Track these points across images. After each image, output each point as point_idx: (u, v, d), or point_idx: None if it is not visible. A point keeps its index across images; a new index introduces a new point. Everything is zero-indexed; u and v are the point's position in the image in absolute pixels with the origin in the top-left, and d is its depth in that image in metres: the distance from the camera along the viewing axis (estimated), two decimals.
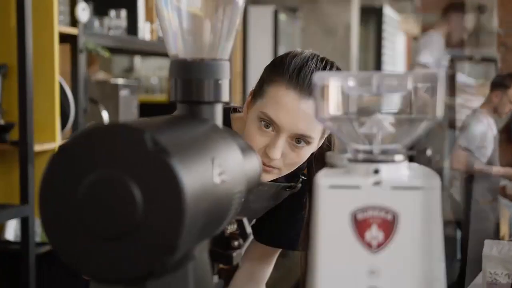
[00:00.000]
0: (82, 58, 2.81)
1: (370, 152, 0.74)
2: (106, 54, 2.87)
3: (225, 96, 0.88)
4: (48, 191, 0.67)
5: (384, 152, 0.74)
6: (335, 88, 0.74)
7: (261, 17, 4.87)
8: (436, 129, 4.62)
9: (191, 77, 0.85)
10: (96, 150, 0.66)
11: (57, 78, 2.62)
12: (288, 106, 1.23)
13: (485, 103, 4.31)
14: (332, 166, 0.80)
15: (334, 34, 5.68)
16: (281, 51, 6.00)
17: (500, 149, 4.13)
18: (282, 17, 5.06)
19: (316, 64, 1.27)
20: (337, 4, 5.65)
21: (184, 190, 0.62)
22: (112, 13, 3.16)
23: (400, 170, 0.73)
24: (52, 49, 2.59)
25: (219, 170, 0.74)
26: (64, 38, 2.75)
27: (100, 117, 3.00)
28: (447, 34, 4.34)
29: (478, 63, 9.01)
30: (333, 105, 0.75)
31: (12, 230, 2.67)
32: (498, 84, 4.23)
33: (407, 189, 0.69)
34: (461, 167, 4.25)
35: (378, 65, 7.73)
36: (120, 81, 3.34)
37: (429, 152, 4.67)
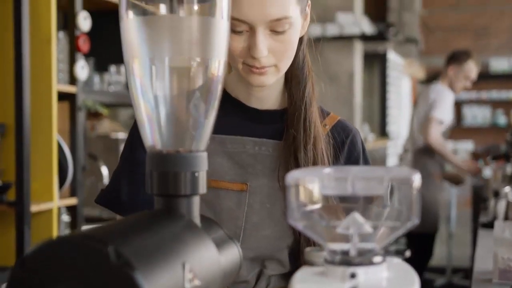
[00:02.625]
0: (81, 116, 2.81)
1: (347, 253, 0.72)
2: (104, 111, 2.87)
3: (202, 188, 0.86)
4: None
5: (361, 253, 0.72)
6: (308, 188, 0.72)
7: None
8: None
9: (167, 169, 0.84)
10: (59, 263, 0.63)
11: (55, 136, 2.61)
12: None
13: (441, 77, 4.50)
14: (310, 263, 0.78)
15: (337, 82, 5.69)
16: None
17: None
18: None
19: None
20: (340, 51, 5.67)
21: None
22: (112, 68, 3.17)
23: (378, 273, 0.70)
24: (51, 108, 2.59)
25: (191, 275, 0.72)
26: (63, 96, 2.76)
27: (100, 173, 2.99)
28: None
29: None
30: (307, 205, 0.73)
31: None
32: (454, 59, 4.39)
33: None
34: (438, 143, 4.28)
35: (383, 110, 7.73)
36: (121, 135, 3.34)
37: None
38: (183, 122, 0.86)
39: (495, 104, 10.21)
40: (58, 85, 2.67)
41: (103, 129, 3.83)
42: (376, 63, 7.51)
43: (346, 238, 0.73)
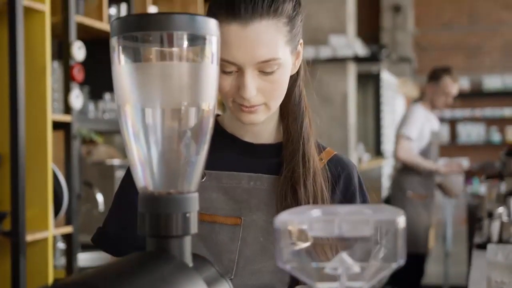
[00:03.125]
0: (76, 144, 2.83)
1: None
2: (99, 140, 2.89)
3: (193, 229, 0.87)
4: None
5: None
6: (297, 230, 0.74)
7: None
8: None
9: (159, 211, 0.85)
10: None
11: (50, 166, 2.63)
12: (236, 40, 1.13)
13: (423, 97, 4.60)
14: None
15: (331, 103, 5.72)
16: None
17: None
18: None
19: None
20: (333, 73, 5.71)
21: None
22: (107, 96, 3.20)
23: None
24: (46, 137, 2.60)
25: None
26: (58, 125, 2.77)
27: (95, 200, 3.00)
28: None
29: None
30: (295, 246, 0.75)
31: None
32: (431, 77, 4.48)
33: None
34: (406, 156, 4.32)
35: (377, 129, 7.77)
36: (116, 161, 3.35)
37: None
38: (175, 164, 0.87)
39: (489, 122, 10.26)
40: (53, 115, 2.69)
41: (99, 155, 3.85)
42: (370, 83, 7.56)
43: (334, 278, 0.74)
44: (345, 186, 1.30)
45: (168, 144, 0.87)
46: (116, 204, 1.31)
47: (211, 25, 0.86)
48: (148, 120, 0.86)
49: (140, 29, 0.84)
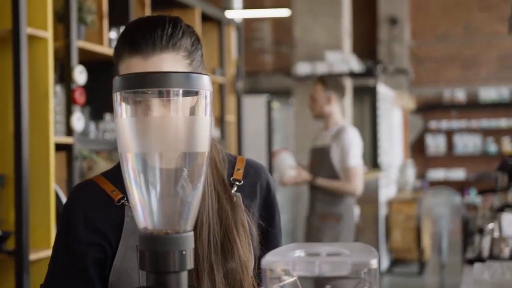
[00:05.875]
0: (77, 165, 2.92)
1: None
2: (99, 161, 2.98)
3: (190, 264, 0.96)
4: None
5: None
6: (281, 270, 0.83)
7: (255, 105, 5.03)
8: None
9: (158, 249, 0.94)
10: None
11: (53, 186, 2.71)
12: (137, 71, 1.21)
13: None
14: None
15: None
16: (276, 137, 6.13)
17: None
18: (275, 105, 5.20)
19: (148, 19, 1.27)
20: None
21: None
22: (108, 116, 3.29)
23: None
24: (48, 159, 2.69)
25: None
26: (60, 146, 2.86)
27: None
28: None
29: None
30: (280, 283, 0.84)
31: None
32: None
33: None
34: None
35: (374, 142, 7.85)
36: None
37: None
38: (172, 205, 0.96)
39: (486, 133, 10.35)
40: (55, 137, 2.78)
41: (100, 171, 3.92)
42: (366, 96, 7.65)
43: None
44: (263, 191, 1.39)
45: (166, 189, 0.96)
46: (58, 260, 1.31)
47: (205, 81, 0.95)
48: (147, 166, 0.95)
49: (140, 86, 0.93)
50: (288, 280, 0.85)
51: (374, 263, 0.80)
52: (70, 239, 1.30)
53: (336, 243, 0.87)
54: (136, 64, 1.23)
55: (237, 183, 1.35)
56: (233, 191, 1.33)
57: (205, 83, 0.95)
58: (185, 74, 0.94)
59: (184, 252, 0.94)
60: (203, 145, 0.96)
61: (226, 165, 1.37)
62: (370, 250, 0.85)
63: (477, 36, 10.32)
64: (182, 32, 1.26)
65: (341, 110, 4.09)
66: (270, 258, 0.83)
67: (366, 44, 10.05)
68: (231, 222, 1.30)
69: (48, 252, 2.71)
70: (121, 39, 1.27)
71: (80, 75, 2.91)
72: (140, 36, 1.23)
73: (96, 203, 1.33)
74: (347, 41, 6.02)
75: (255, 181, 1.39)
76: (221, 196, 1.31)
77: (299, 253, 0.86)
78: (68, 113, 2.89)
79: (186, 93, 0.95)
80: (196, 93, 0.94)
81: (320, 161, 4.00)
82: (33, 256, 2.61)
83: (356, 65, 5.94)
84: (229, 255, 1.28)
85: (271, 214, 1.41)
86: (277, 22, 10.12)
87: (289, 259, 0.82)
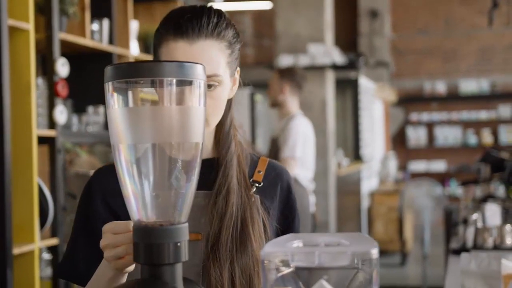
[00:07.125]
0: (60, 158, 2.88)
1: None
2: (82, 154, 2.95)
3: (184, 256, 0.95)
4: None
5: None
6: (280, 261, 0.82)
7: (238, 98, 4.97)
8: None
9: (152, 241, 0.93)
10: None
11: (36, 180, 2.68)
12: (183, 56, 1.23)
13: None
14: None
15: (310, 110, 5.81)
16: (259, 130, 6.12)
17: None
18: (258, 98, 5.18)
19: (194, 7, 1.28)
20: (312, 81, 5.79)
21: None
22: (90, 109, 3.25)
23: None
24: (31, 152, 2.66)
25: None
26: (43, 139, 2.83)
27: None
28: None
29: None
30: (279, 273, 0.82)
31: None
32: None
33: None
34: None
35: (356, 134, 7.87)
36: None
37: None
38: (166, 198, 0.95)
39: (466, 125, 10.42)
40: (38, 130, 2.74)
41: (81, 164, 3.89)
42: (348, 88, 7.66)
43: None
44: (283, 194, 1.39)
45: (159, 179, 0.94)
46: (77, 234, 1.34)
47: (198, 70, 0.94)
48: (140, 159, 0.93)
49: (132, 76, 0.91)
50: (286, 270, 0.84)
51: (374, 252, 0.79)
52: (89, 215, 1.32)
53: (334, 233, 0.86)
54: (180, 48, 1.23)
55: (257, 184, 1.35)
56: (251, 192, 1.33)
57: (199, 72, 0.94)
58: (178, 63, 0.93)
59: (179, 244, 0.93)
60: (197, 136, 0.95)
61: (248, 163, 1.37)
62: (370, 240, 0.84)
63: (457, 29, 10.37)
64: (226, 23, 1.28)
65: (296, 101, 4.10)
66: (269, 249, 0.82)
67: (347, 37, 10.06)
68: (248, 217, 1.30)
69: (31, 246, 2.68)
70: (166, 22, 1.27)
71: (62, 67, 2.87)
72: (187, 21, 1.24)
73: (114, 188, 1.31)
74: (329, 34, 6.02)
75: (275, 183, 1.38)
76: (242, 193, 1.31)
77: (297, 243, 0.85)
78: (51, 106, 2.86)
79: (180, 83, 0.93)
80: (190, 83, 0.93)
81: (272, 150, 4.04)
82: (16, 251, 2.58)
83: (338, 57, 5.94)
84: (242, 248, 1.27)
85: (291, 216, 1.40)
86: (258, 15, 10.09)
87: (288, 250, 0.81)
